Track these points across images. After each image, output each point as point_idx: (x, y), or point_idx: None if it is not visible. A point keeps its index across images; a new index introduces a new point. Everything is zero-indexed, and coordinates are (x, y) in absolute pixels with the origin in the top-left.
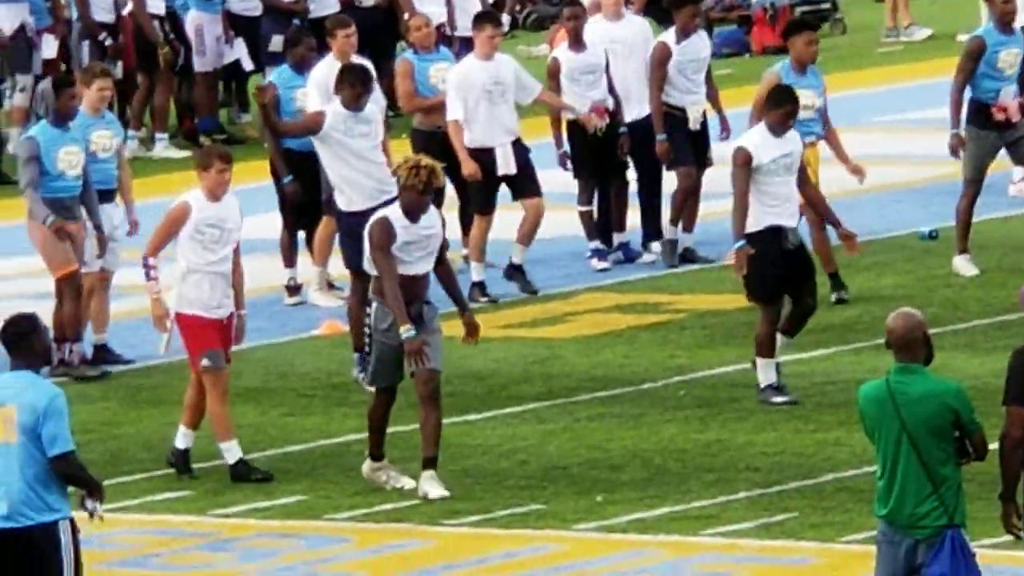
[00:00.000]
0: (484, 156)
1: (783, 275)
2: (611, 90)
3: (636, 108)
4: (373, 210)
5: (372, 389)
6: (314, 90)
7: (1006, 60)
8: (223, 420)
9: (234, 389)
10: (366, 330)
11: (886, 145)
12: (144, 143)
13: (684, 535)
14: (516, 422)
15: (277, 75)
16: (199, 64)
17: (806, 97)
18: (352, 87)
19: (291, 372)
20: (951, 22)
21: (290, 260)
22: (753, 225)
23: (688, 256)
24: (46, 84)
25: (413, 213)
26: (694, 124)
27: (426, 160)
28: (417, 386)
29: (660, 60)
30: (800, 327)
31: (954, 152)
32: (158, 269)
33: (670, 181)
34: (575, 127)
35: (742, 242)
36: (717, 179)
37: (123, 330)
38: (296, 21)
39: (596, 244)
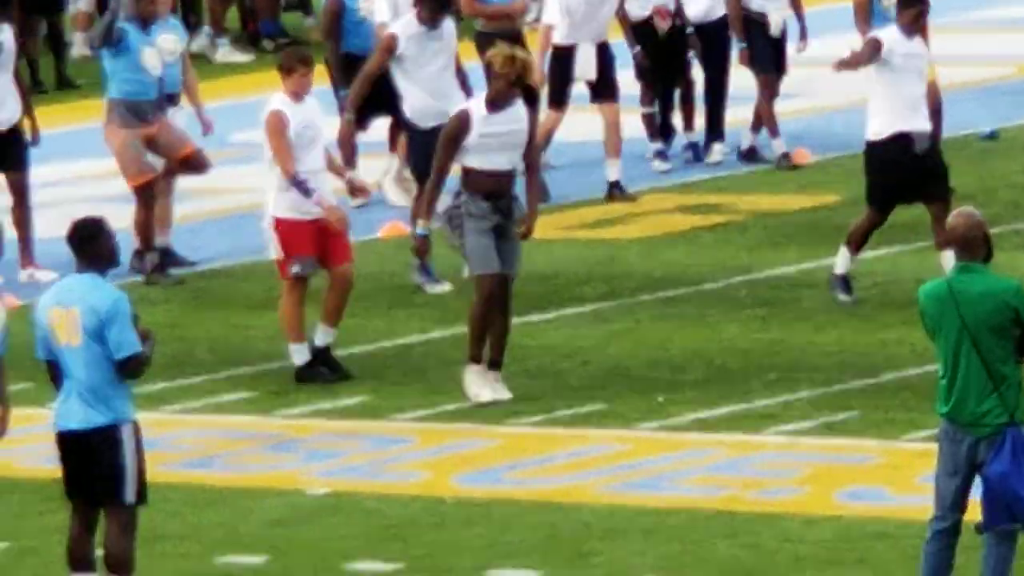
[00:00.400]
0: (566, 54)
1: (909, 183)
2: None
3: (703, 7)
4: (439, 128)
5: (439, 289)
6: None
7: None
8: (295, 321)
9: None
10: (455, 222)
11: (946, 45)
12: (208, 44)
13: (746, 434)
14: (578, 322)
15: None
16: None
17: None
18: (431, 3)
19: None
20: None
21: (351, 160)
22: (881, 131)
23: (751, 155)
24: None
25: (498, 104)
26: (775, 30)
27: (522, 52)
28: (492, 285)
29: None
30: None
31: None
32: (308, 180)
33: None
34: (638, 28)
35: None
36: (789, 82)
37: (185, 232)
38: None
39: (658, 145)
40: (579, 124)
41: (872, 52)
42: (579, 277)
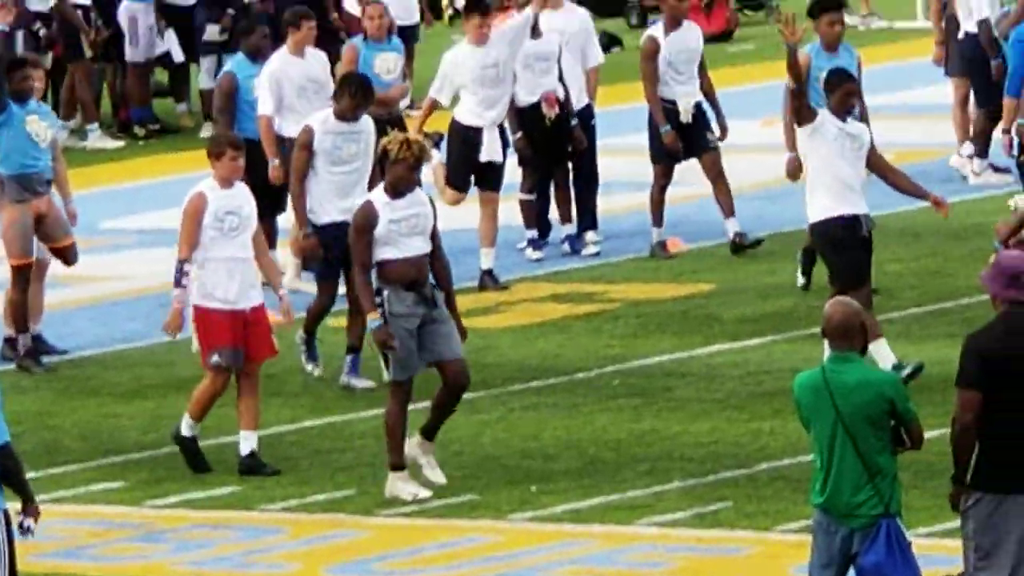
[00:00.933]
0: (472, 136)
1: (864, 261)
2: (560, 79)
3: (575, 98)
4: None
5: (364, 385)
6: (266, 82)
7: None
8: (202, 406)
9: (167, 381)
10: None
11: None
12: (77, 133)
13: (618, 525)
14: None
15: (235, 64)
16: (131, 54)
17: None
18: (353, 98)
19: None
20: (888, 11)
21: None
22: (828, 211)
23: (739, 243)
24: None
25: (400, 190)
26: (685, 116)
27: (415, 135)
28: (445, 377)
29: (649, 54)
30: None
31: None
32: (190, 276)
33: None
34: (525, 113)
35: None
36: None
37: (56, 320)
38: (231, 10)
39: (532, 233)
40: (452, 210)
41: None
42: None
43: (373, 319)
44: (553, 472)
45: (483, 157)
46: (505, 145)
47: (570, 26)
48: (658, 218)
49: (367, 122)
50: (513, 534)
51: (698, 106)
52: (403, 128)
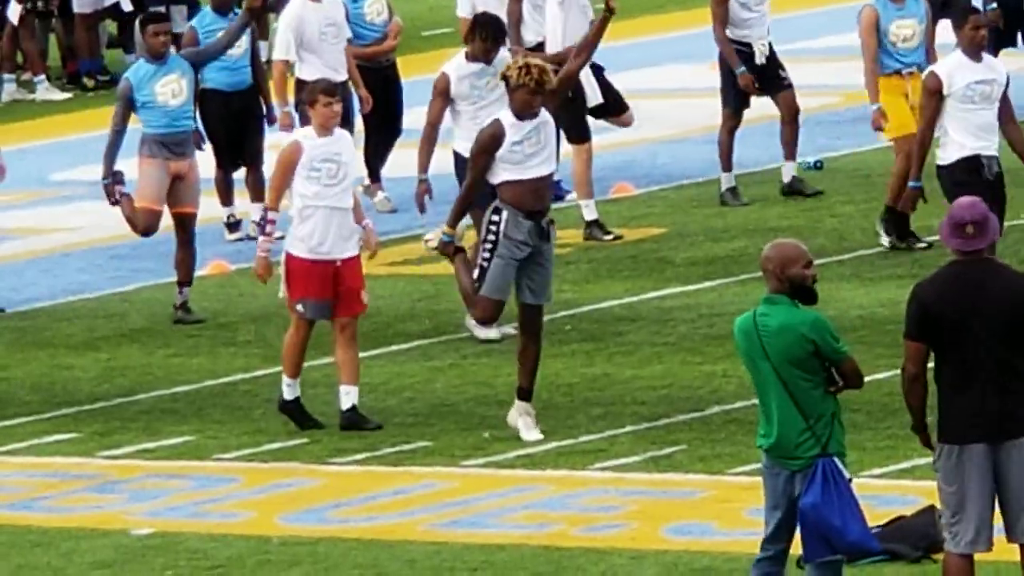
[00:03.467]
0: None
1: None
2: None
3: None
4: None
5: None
6: (286, 27)
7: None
8: (294, 361)
9: (119, 332)
10: (489, 238)
11: None
12: (25, 86)
13: (572, 470)
14: (403, 359)
15: (198, 20)
16: (79, 5)
17: (907, 27)
18: (484, 40)
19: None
20: None
21: (227, 198)
22: (948, 158)
23: (796, 189)
24: None
25: (525, 114)
26: (760, 57)
27: (534, 59)
28: (521, 315)
29: None
30: None
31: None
32: (276, 224)
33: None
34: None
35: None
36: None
37: (7, 272)
38: None
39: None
40: (401, 160)
41: (932, 96)
42: (403, 313)
43: (448, 233)
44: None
45: (590, 103)
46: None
47: None
48: (728, 162)
49: (499, 62)
50: (467, 480)
51: (770, 44)
52: (395, 74)
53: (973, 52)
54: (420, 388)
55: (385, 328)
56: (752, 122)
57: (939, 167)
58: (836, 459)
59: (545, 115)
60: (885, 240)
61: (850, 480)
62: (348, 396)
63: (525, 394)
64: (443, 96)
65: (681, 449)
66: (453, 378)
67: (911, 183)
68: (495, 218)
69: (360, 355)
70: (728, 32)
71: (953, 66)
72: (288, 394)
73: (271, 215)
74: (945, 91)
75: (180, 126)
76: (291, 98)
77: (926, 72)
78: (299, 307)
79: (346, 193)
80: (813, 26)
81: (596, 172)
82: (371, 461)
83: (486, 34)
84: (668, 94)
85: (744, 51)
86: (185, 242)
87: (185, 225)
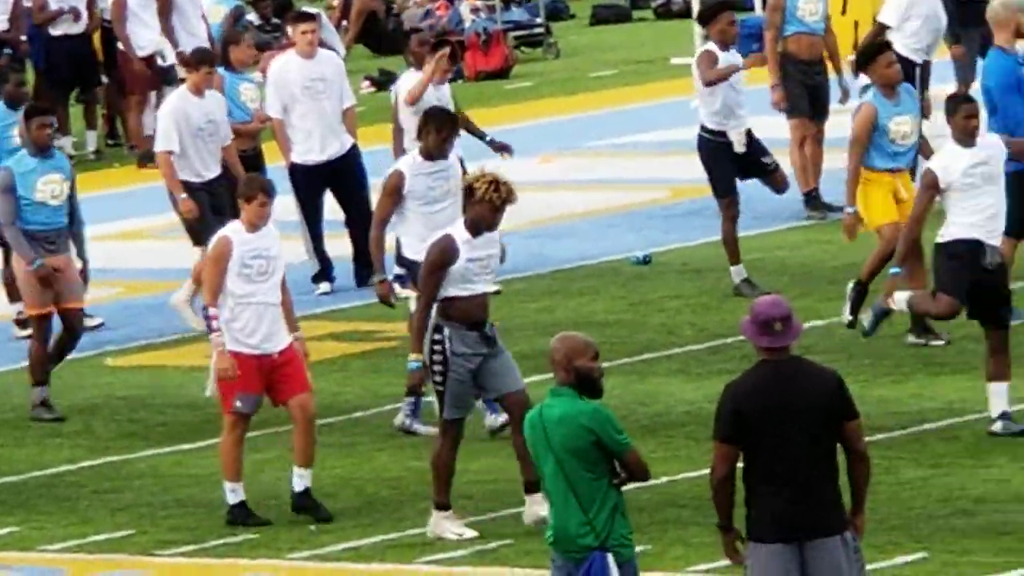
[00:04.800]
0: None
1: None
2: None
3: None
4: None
5: (427, 431)
6: (167, 123)
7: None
8: (233, 463)
9: None
10: (436, 359)
11: (599, 169)
12: None
13: (398, 563)
14: None
15: None
16: None
17: (904, 123)
18: (439, 133)
19: (4, 403)
20: (665, 47)
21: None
22: (953, 235)
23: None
24: None
25: (480, 229)
26: (739, 147)
27: (504, 177)
28: (510, 409)
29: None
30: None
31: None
32: (219, 319)
33: None
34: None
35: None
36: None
37: None
38: (7, 51)
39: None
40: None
41: (927, 191)
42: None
43: (416, 359)
44: (333, 510)
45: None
46: None
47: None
48: (735, 255)
49: (454, 158)
50: (292, 573)
51: (749, 133)
52: (261, 161)
53: (966, 140)
54: (247, 480)
55: (212, 420)
56: (579, 216)
57: (937, 245)
58: (610, 555)
59: (496, 238)
60: (847, 315)
61: None
62: (301, 479)
63: (534, 487)
64: (394, 194)
65: (507, 544)
66: (279, 470)
67: (893, 269)
68: (438, 337)
69: (185, 447)
70: (713, 122)
71: (948, 159)
72: (232, 499)
73: (212, 312)
74: (943, 185)
75: (56, 224)
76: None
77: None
78: (237, 402)
79: (275, 289)
80: (643, 120)
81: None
82: (198, 553)
83: (439, 127)
84: None
85: (722, 140)
86: (67, 340)
87: (71, 322)
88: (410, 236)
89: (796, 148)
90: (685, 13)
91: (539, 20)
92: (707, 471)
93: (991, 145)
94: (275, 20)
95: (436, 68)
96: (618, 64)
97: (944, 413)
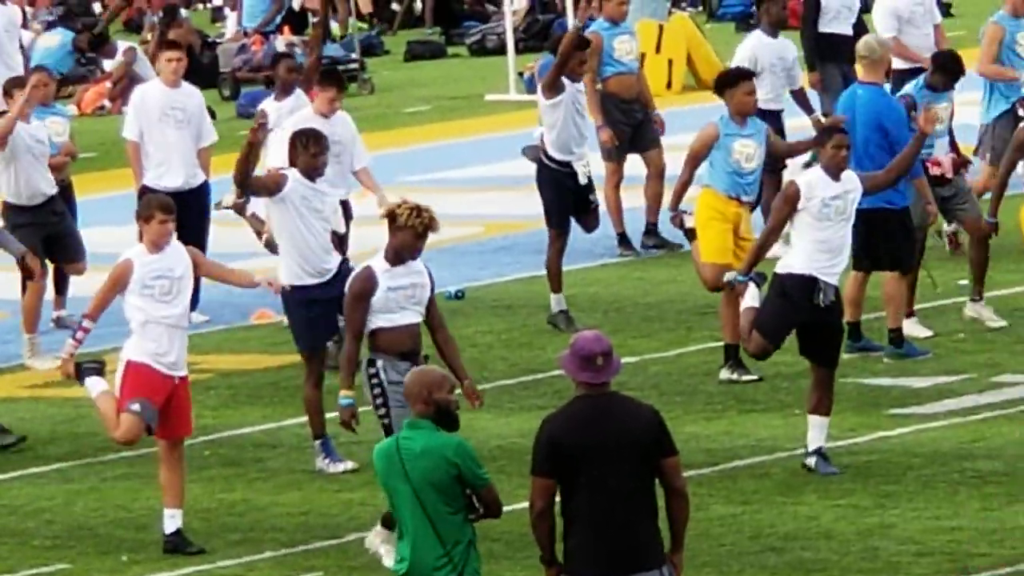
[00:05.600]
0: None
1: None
2: None
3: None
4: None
5: (341, 469)
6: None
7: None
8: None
9: None
10: (375, 392)
11: None
12: None
13: None
14: (42, 482)
15: None
16: None
17: (748, 146)
18: (307, 150)
19: None
20: (479, 83)
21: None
22: (791, 267)
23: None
24: None
25: (402, 256)
26: (583, 178)
27: (425, 204)
28: None
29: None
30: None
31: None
32: (88, 333)
33: None
34: None
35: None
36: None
37: None
38: None
39: None
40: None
41: (787, 204)
42: (43, 436)
43: (347, 396)
44: (145, 542)
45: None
46: (348, 217)
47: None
48: (558, 284)
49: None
50: None
51: (587, 165)
52: (70, 193)
53: (834, 172)
54: (59, 510)
55: (25, 450)
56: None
57: (774, 275)
58: None
59: (420, 268)
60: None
61: None
62: (172, 520)
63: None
64: (365, 300)
65: None
66: (92, 500)
67: (739, 277)
68: (372, 370)
69: (0, 477)
70: (558, 152)
71: (814, 180)
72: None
73: (87, 323)
74: (801, 204)
75: None
76: None
77: (786, 180)
78: (135, 406)
79: (185, 312)
80: (457, 156)
81: (236, 297)
82: None
83: (307, 143)
84: None
85: (566, 172)
86: None
87: None
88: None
89: (611, 188)
90: (499, 50)
91: (354, 56)
92: (520, 506)
93: (851, 181)
94: (90, 54)
95: (29, 99)
96: (432, 100)
97: (755, 450)
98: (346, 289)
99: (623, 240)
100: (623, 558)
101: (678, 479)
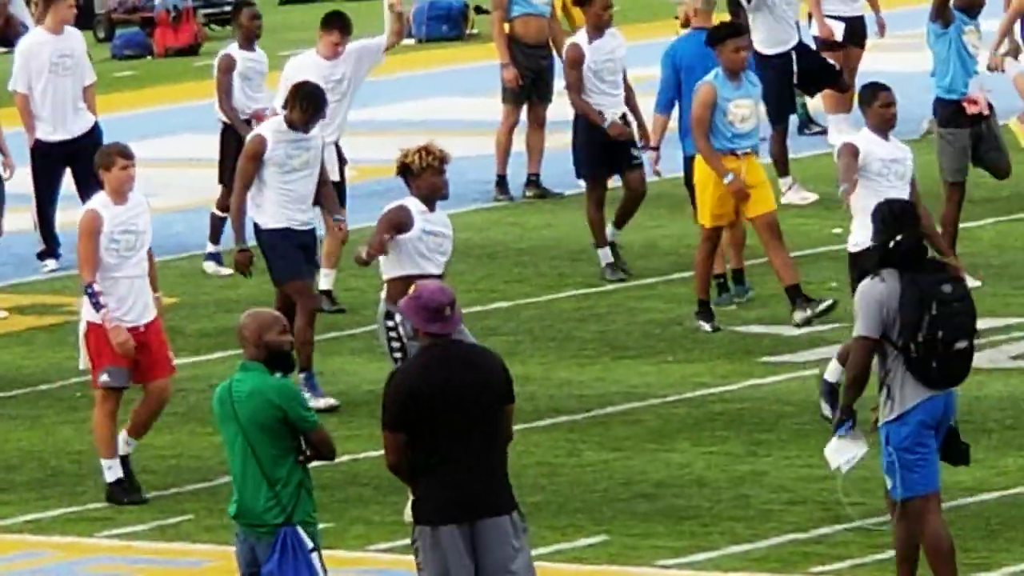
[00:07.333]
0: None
1: None
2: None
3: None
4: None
5: (323, 405)
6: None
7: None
8: (108, 438)
9: None
10: (394, 346)
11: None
12: None
13: (79, 536)
14: None
15: None
16: None
17: (744, 107)
18: (304, 111)
19: None
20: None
21: None
22: (863, 244)
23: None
24: None
25: (433, 199)
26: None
27: (428, 142)
28: None
29: (574, 61)
30: None
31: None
32: (103, 294)
33: None
34: None
35: None
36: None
37: None
38: None
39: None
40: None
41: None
42: None
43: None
44: (14, 483)
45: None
46: (342, 163)
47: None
48: (601, 236)
49: (318, 131)
50: None
51: (624, 117)
52: None
53: (884, 130)
54: None
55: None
56: None
57: (852, 254)
58: (299, 528)
59: (447, 219)
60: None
61: (313, 550)
62: (127, 445)
63: None
64: (255, 159)
65: (188, 519)
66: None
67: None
68: (391, 323)
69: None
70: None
71: (864, 140)
72: (109, 476)
73: (96, 288)
74: (861, 161)
75: None
76: None
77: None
78: (104, 376)
79: (143, 261)
80: None
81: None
82: None
83: (307, 104)
84: (183, 163)
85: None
86: None
87: None
88: (263, 205)
89: (505, 132)
90: None
91: None
92: (369, 453)
93: (904, 149)
94: None
95: None
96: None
97: (628, 397)
98: (380, 216)
99: (501, 182)
100: (476, 502)
101: (510, 427)
